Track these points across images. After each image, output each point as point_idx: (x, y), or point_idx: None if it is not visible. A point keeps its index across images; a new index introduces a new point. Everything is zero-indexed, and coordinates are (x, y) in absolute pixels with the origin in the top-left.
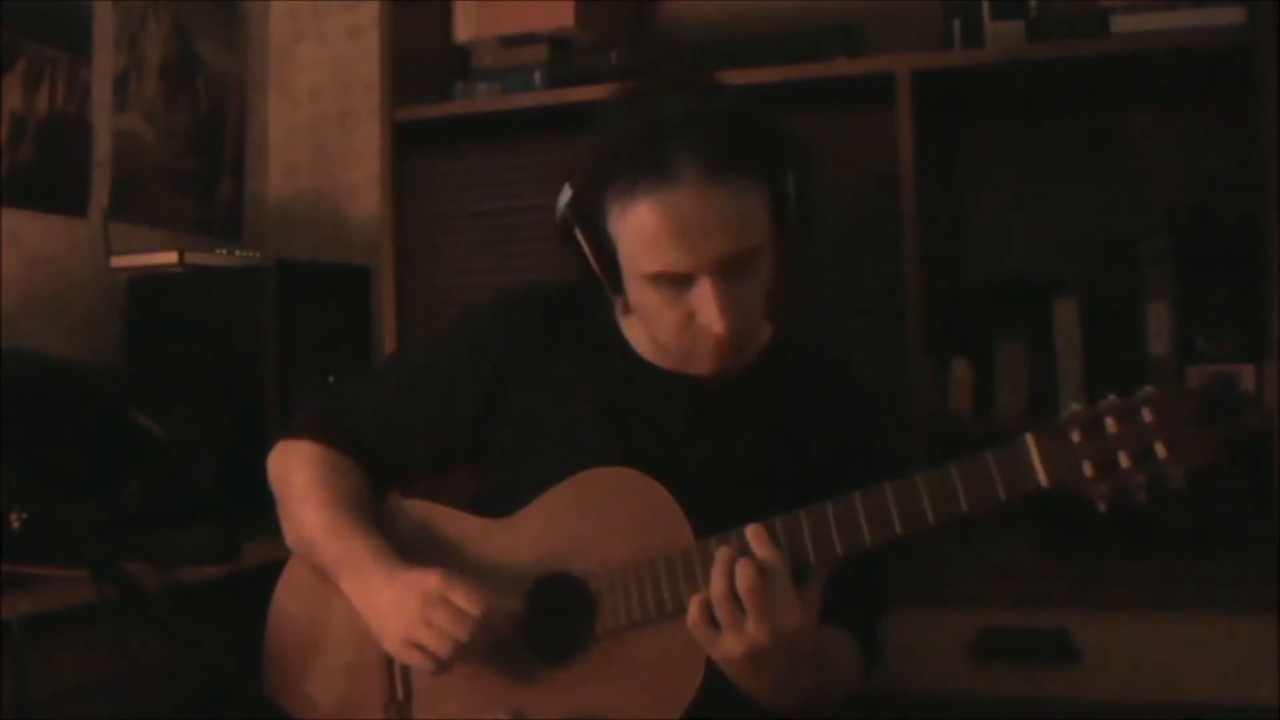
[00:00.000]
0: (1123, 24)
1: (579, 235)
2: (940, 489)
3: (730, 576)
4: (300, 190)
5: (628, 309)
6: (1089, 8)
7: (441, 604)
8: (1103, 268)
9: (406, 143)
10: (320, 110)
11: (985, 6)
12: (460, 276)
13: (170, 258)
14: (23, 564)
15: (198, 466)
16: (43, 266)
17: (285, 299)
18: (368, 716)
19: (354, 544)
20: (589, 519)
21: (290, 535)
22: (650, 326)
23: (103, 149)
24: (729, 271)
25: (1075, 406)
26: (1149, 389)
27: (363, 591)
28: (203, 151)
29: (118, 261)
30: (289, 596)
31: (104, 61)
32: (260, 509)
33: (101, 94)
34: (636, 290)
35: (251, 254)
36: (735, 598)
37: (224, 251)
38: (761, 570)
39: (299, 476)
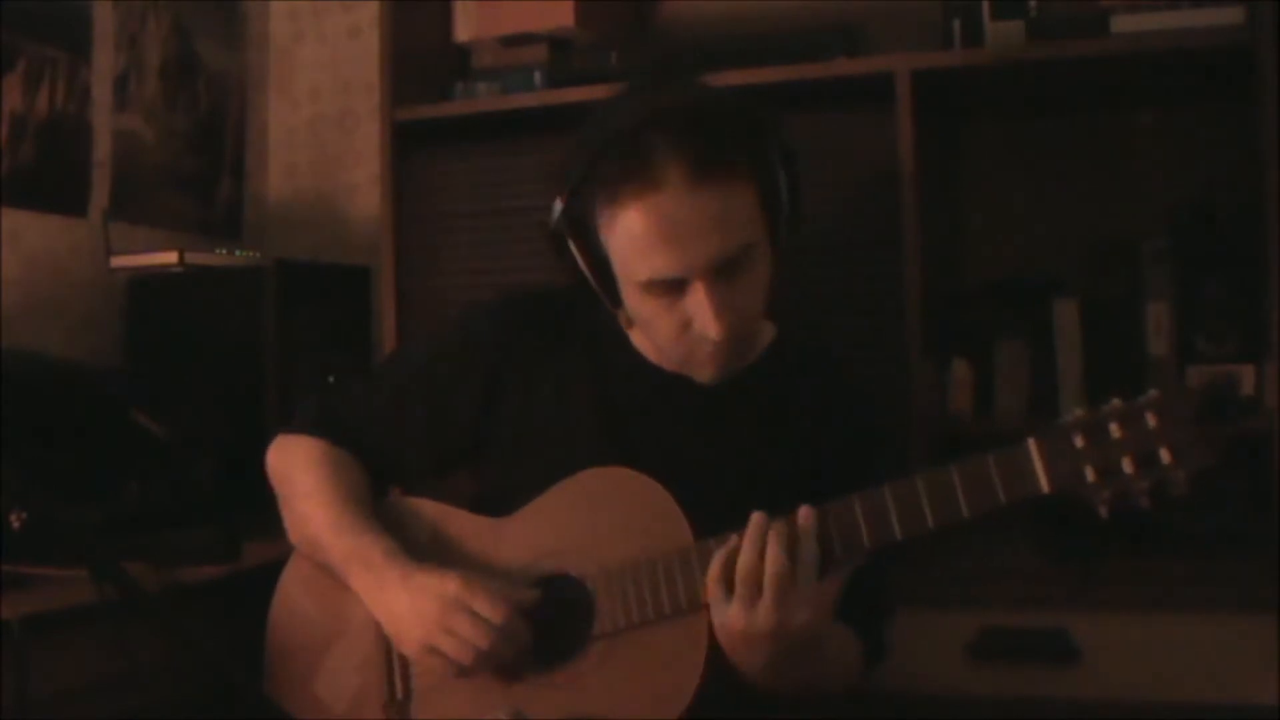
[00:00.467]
0: (1123, 24)
1: (572, 247)
2: (939, 492)
3: (762, 553)
4: (300, 190)
5: (630, 322)
6: (1089, 8)
7: (462, 611)
8: (1103, 268)
9: (406, 143)
10: (320, 110)
11: (985, 6)
12: (460, 276)
13: (170, 258)
14: (23, 564)
15: (198, 466)
16: (43, 266)
17: (285, 299)
18: (368, 714)
19: (363, 542)
20: (587, 519)
21: (294, 532)
22: (650, 334)
23: (103, 149)
24: (722, 273)
25: (1078, 411)
26: (1153, 393)
27: (376, 592)
28: (203, 151)
29: (118, 261)
30: (292, 595)
31: (104, 61)
32: (260, 509)
33: (101, 94)
34: (632, 298)
35: (251, 254)
36: (759, 576)
37: (224, 251)
38: (795, 560)
39: (303, 472)
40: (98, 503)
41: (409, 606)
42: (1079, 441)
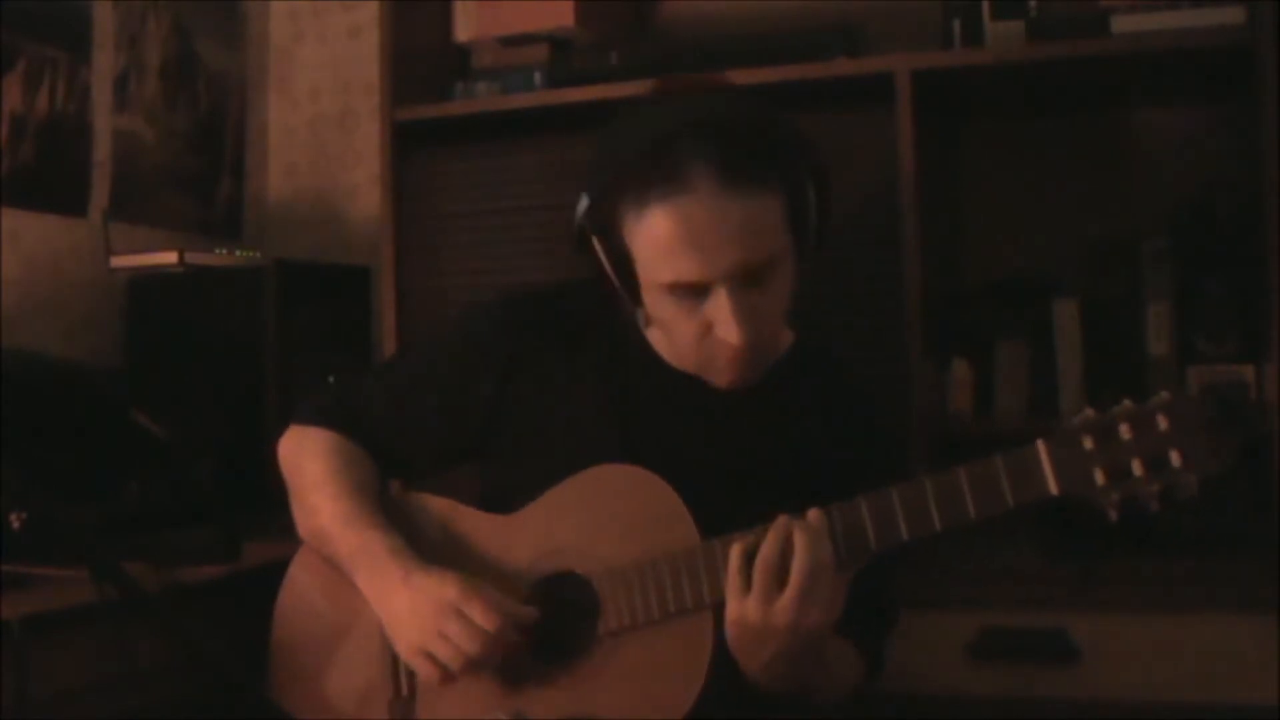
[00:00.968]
0: (1123, 24)
1: (596, 245)
2: (947, 494)
3: (784, 550)
4: (300, 190)
5: (649, 321)
6: (1089, 8)
7: (457, 616)
8: (1103, 268)
9: (406, 143)
10: (320, 110)
11: (985, 6)
12: (460, 276)
13: (170, 258)
14: (23, 564)
15: (198, 466)
16: (43, 266)
17: (285, 299)
18: (373, 712)
19: (369, 537)
20: (594, 516)
21: (302, 523)
22: (669, 336)
23: (103, 149)
24: (745, 281)
25: (1087, 411)
26: (1164, 395)
27: (379, 590)
28: (203, 151)
29: (118, 261)
30: (299, 590)
31: (104, 61)
32: (260, 509)
33: (101, 94)
34: (654, 299)
35: (251, 254)
36: (780, 572)
37: (224, 251)
38: (819, 558)
39: (313, 464)
40: (98, 503)
41: (407, 607)
42: (1088, 443)
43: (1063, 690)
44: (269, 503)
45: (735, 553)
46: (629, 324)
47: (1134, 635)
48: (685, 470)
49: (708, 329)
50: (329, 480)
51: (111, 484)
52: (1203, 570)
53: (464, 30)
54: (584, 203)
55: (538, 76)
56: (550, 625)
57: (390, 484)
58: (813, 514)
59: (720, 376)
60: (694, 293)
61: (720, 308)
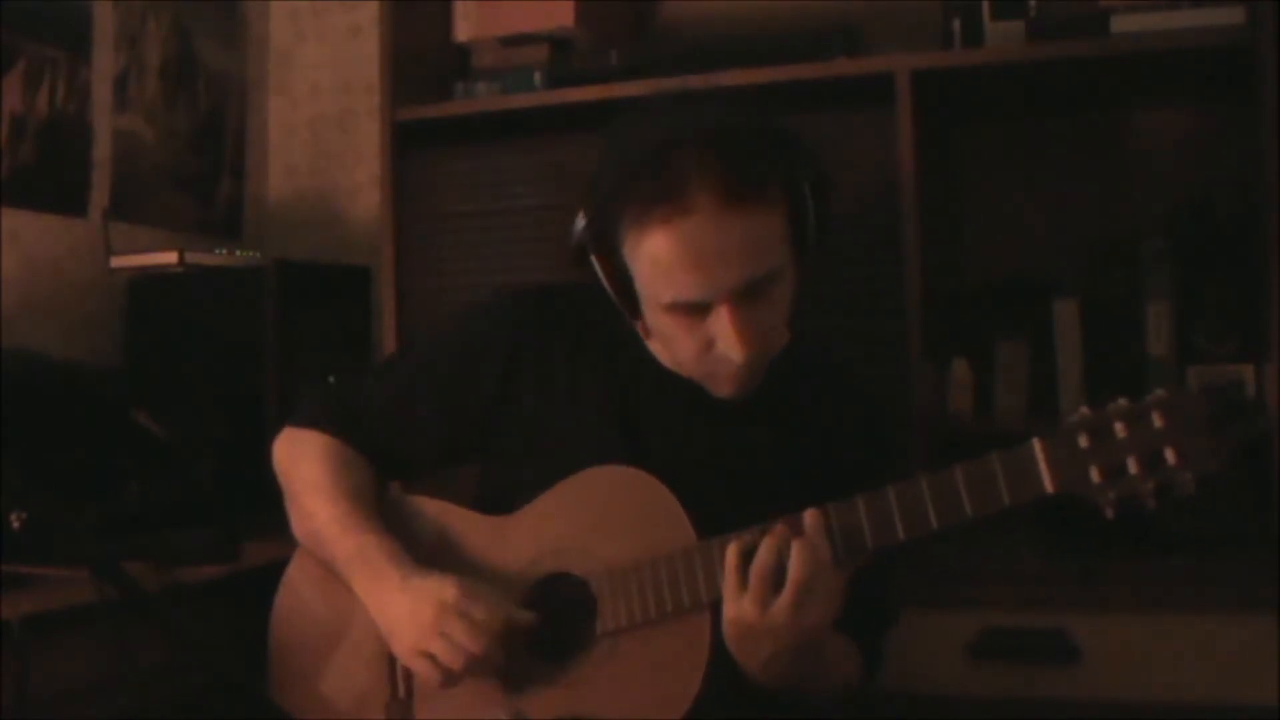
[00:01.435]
0: (1123, 24)
1: (595, 261)
2: (943, 493)
3: (780, 554)
4: (300, 190)
5: (649, 333)
6: (1089, 8)
7: (458, 617)
8: (1103, 268)
9: (406, 143)
10: (320, 110)
11: (985, 6)
12: (460, 276)
13: (170, 258)
14: (23, 564)
15: (198, 466)
16: (43, 266)
17: (285, 299)
18: (370, 713)
19: (366, 542)
20: (591, 517)
21: (298, 527)
22: (670, 349)
23: (103, 149)
24: (747, 297)
25: (1083, 410)
26: (1159, 393)
27: (376, 594)
28: (203, 151)
29: (118, 261)
30: (296, 592)
31: (104, 61)
32: (260, 509)
33: (101, 94)
34: (654, 316)
35: (251, 254)
36: (776, 575)
37: (224, 251)
38: (816, 562)
39: (309, 468)
40: (98, 503)
41: (406, 609)
42: (1084, 441)
43: (1063, 690)
44: (269, 503)
45: (731, 552)
46: (627, 327)
47: (1134, 635)
48: (685, 471)
49: (709, 345)
50: (325, 484)
51: (111, 484)
52: (1202, 570)
53: (464, 30)
54: (582, 221)
55: (538, 76)
56: (548, 626)
57: (390, 486)
58: (809, 514)
59: (721, 388)
60: (695, 311)
61: (722, 325)
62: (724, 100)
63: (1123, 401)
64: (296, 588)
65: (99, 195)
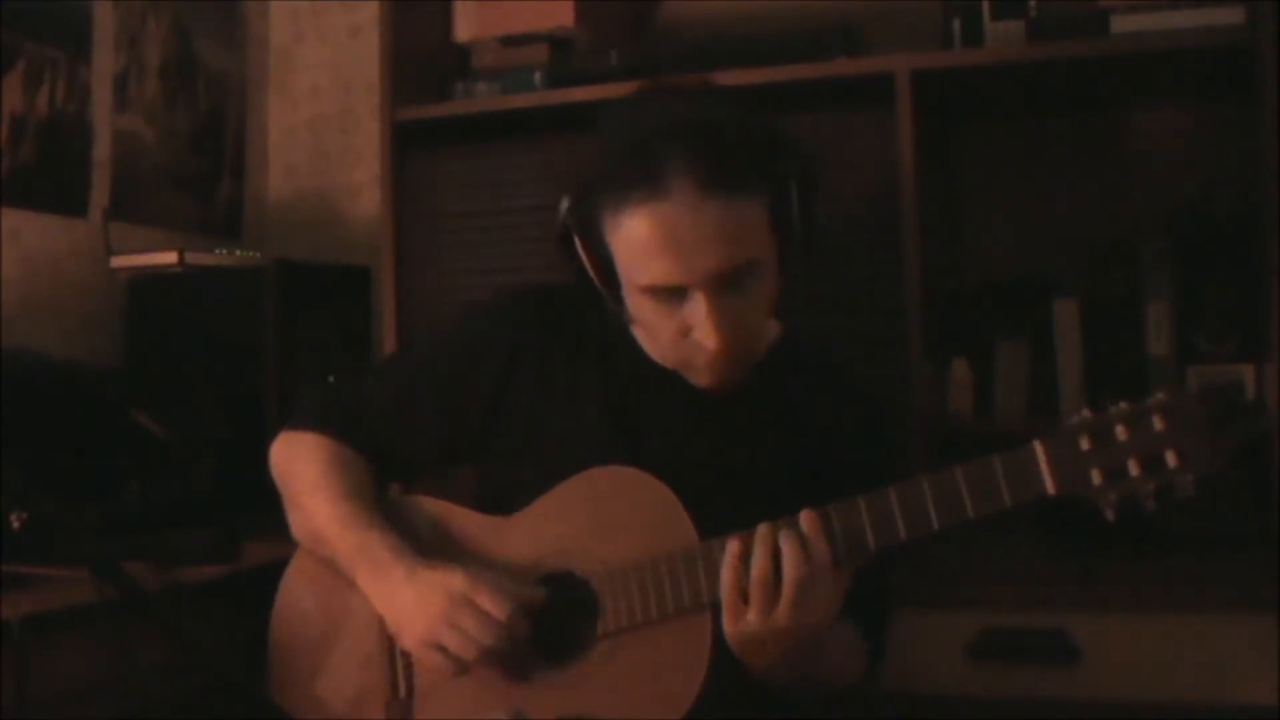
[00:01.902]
0: (1123, 24)
1: (578, 244)
2: (945, 493)
3: (775, 559)
4: (300, 190)
5: (632, 320)
6: (1089, 8)
7: (467, 606)
8: (1103, 268)
9: (406, 143)
10: (320, 110)
11: (985, 6)
12: (460, 276)
13: (170, 258)
14: (23, 564)
15: (198, 466)
16: (43, 266)
17: (285, 299)
18: (370, 713)
19: (368, 538)
20: (593, 518)
21: (298, 528)
22: (650, 335)
23: (103, 149)
24: (724, 286)
25: (1084, 412)
26: (1159, 395)
27: (381, 587)
28: (203, 151)
29: (118, 261)
30: (295, 592)
31: (104, 61)
32: (260, 509)
33: (101, 94)
34: (634, 300)
35: (251, 254)
36: (774, 581)
37: (224, 251)
38: (811, 562)
39: (307, 468)
40: (98, 503)
41: (414, 601)
42: (1085, 443)
43: (1063, 690)
44: (269, 503)
45: (726, 572)
46: (617, 324)
47: (1134, 635)
48: (684, 469)
49: (687, 331)
50: (324, 483)
51: (111, 484)
52: (1202, 570)
53: (464, 30)
54: (565, 204)
55: (538, 76)
56: (550, 625)
57: (390, 487)
58: (804, 516)
59: (700, 377)
60: (672, 296)
61: (698, 312)
62: (711, 95)
63: (1123, 404)
64: (296, 588)
65: (99, 195)
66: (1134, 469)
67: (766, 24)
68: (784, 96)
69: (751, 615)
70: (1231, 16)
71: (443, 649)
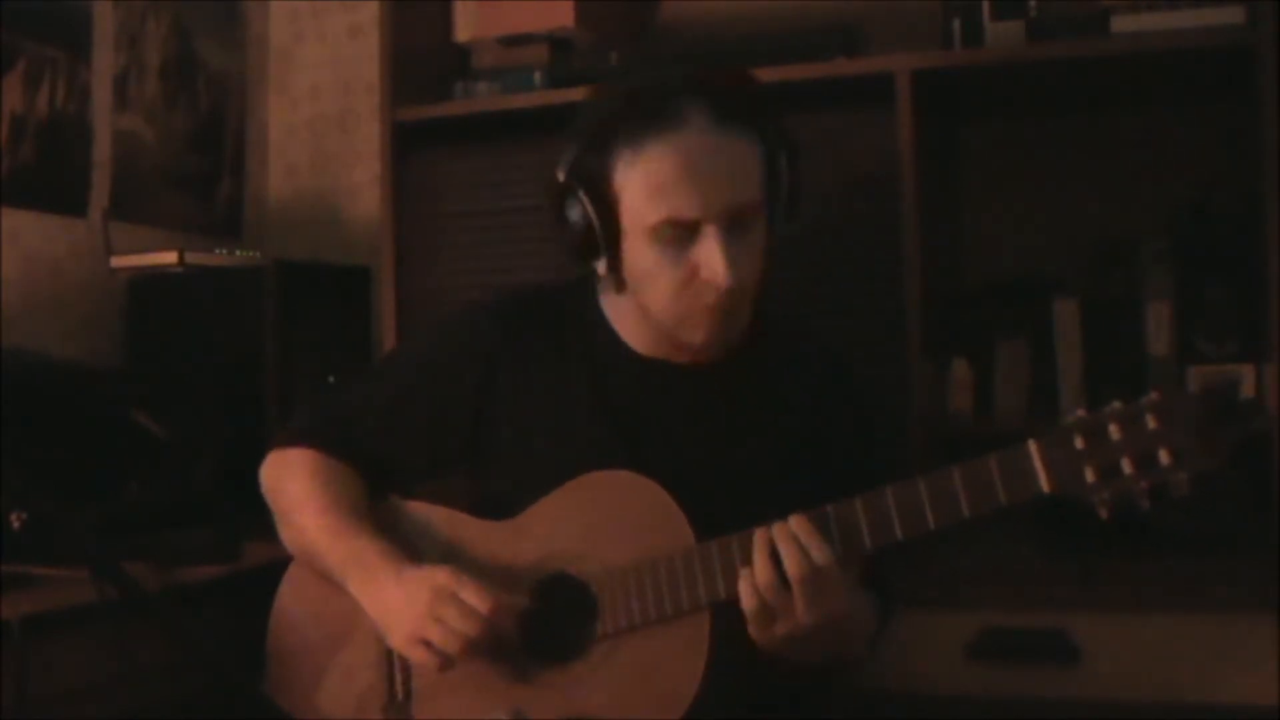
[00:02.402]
0: (1123, 24)
1: (582, 197)
2: (941, 493)
3: (775, 564)
4: (300, 190)
5: (620, 287)
6: (1089, 8)
7: (451, 600)
8: (1103, 268)
9: (406, 143)
10: (320, 110)
11: (985, 6)
12: (460, 276)
13: (170, 258)
14: (22, 564)
15: (198, 466)
16: (43, 266)
17: (285, 299)
18: (370, 714)
19: (358, 545)
20: (591, 522)
21: (291, 544)
22: (648, 292)
23: (103, 149)
24: (733, 225)
25: (1079, 412)
26: (1152, 394)
27: (371, 591)
28: (203, 151)
29: (118, 261)
30: (292, 600)
31: (104, 61)
32: (260, 509)
33: (101, 94)
34: (637, 252)
35: (251, 254)
36: (783, 584)
37: (224, 251)
38: (810, 559)
39: (294, 484)
40: (98, 503)
41: (401, 599)
42: (1079, 443)
43: (1063, 690)
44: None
45: (746, 598)
46: (599, 321)
47: (1133, 635)
48: (677, 466)
49: (692, 275)
50: (312, 497)
51: (111, 484)
52: (1202, 570)
53: (464, 30)
54: (569, 155)
55: (538, 76)
56: (549, 627)
57: (389, 496)
58: (794, 519)
59: (696, 331)
60: (682, 236)
61: (709, 249)
62: (708, 57)
63: (1117, 403)
64: (296, 588)
65: (99, 195)
66: (1127, 467)
67: (766, 24)
68: (784, 96)
69: (780, 627)
70: (1231, 16)
71: (427, 643)
